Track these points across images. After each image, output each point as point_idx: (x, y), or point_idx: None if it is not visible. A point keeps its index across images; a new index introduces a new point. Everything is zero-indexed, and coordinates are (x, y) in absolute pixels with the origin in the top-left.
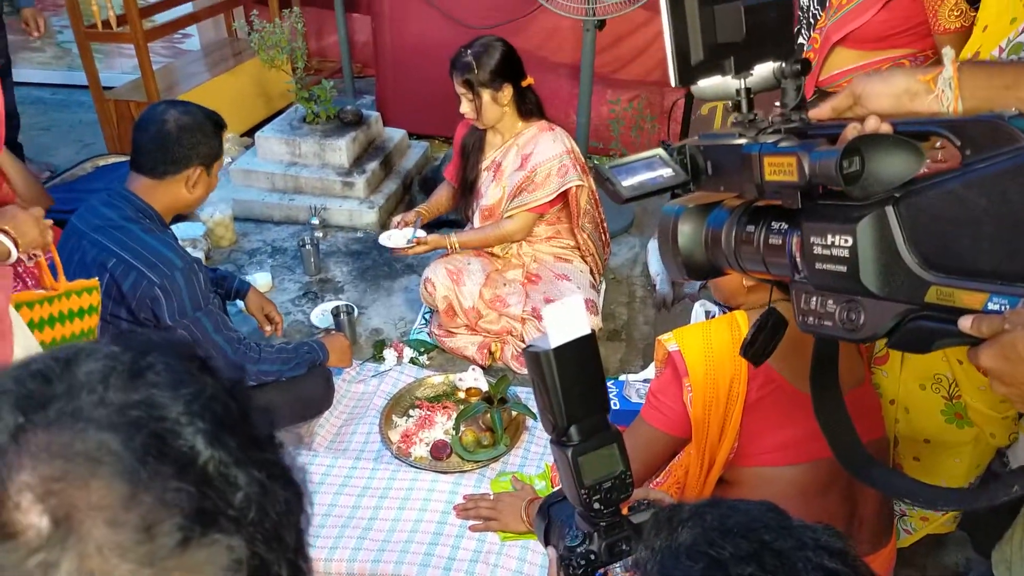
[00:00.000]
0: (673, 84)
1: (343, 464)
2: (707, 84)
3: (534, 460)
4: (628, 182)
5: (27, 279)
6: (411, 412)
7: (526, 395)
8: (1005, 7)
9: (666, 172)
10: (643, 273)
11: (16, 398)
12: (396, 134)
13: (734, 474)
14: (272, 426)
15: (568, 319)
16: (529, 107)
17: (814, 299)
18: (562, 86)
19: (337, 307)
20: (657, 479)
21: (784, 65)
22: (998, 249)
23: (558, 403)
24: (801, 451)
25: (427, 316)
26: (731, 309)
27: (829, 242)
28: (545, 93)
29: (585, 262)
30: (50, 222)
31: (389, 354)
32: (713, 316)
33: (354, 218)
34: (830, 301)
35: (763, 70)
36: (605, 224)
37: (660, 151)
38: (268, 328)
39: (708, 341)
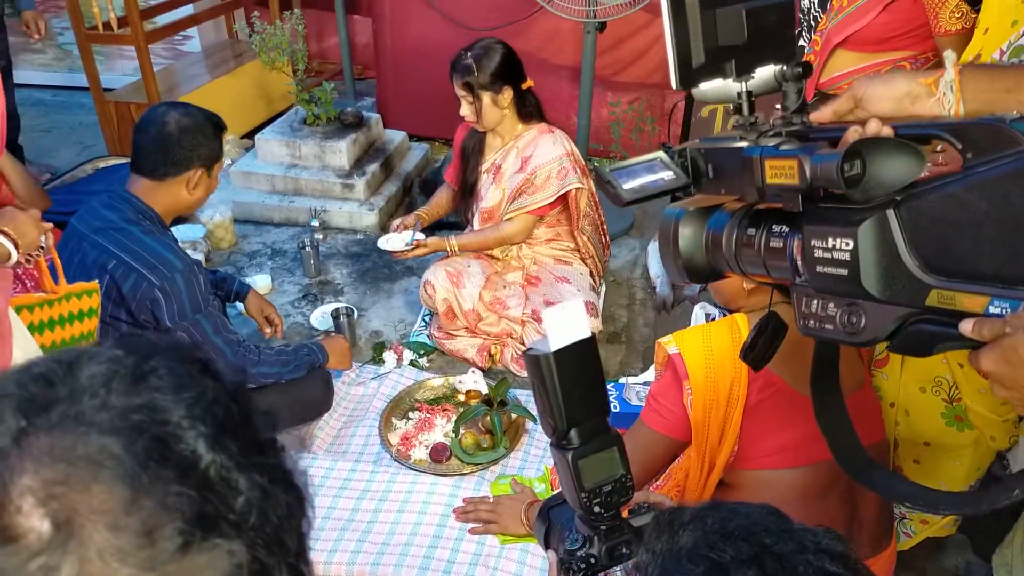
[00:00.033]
0: (674, 87)
1: (342, 466)
2: (708, 87)
3: (534, 463)
4: (629, 185)
5: (26, 281)
6: (411, 414)
7: (526, 398)
8: (1006, 10)
9: (667, 175)
10: (643, 275)
11: (19, 401)
12: (396, 136)
13: (734, 477)
14: (274, 430)
15: (568, 322)
16: (529, 109)
17: (815, 302)
18: (563, 88)
19: (337, 309)
20: (657, 482)
21: (785, 68)
22: (999, 252)
23: (558, 406)
24: (801, 454)
25: (427, 318)
26: (731, 312)
27: (830, 245)
28: (546, 95)
29: (585, 264)
30: (50, 225)
31: (389, 356)
32: (713, 319)
33: (354, 220)
34: (831, 304)
35: (764, 73)
36: (605, 226)
37: (661, 154)
38: (268, 330)
39: (708, 344)
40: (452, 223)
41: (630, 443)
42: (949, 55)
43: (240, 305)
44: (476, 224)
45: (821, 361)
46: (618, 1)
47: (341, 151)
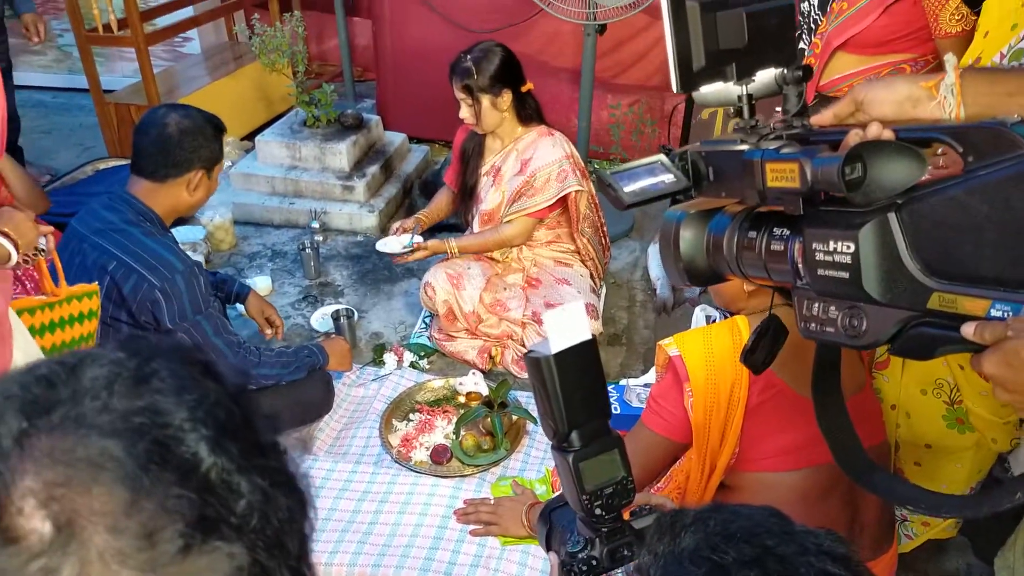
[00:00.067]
0: (675, 90)
1: (343, 468)
2: (709, 90)
3: (534, 464)
4: (630, 188)
5: (26, 282)
6: (411, 416)
7: (526, 399)
8: (1006, 13)
9: (668, 178)
10: (643, 277)
11: (21, 403)
12: (396, 138)
13: (735, 479)
14: (276, 433)
15: (569, 324)
16: (528, 112)
17: (816, 305)
18: (563, 90)
19: (337, 311)
20: (658, 484)
21: (786, 71)
22: (1001, 256)
23: (559, 409)
24: (802, 456)
25: (427, 320)
26: (732, 314)
27: (831, 248)
28: (546, 97)
29: (585, 266)
30: (51, 228)
31: (389, 358)
32: (714, 320)
33: (354, 222)
34: (832, 307)
35: (765, 76)
36: (605, 228)
37: (662, 157)
38: (269, 332)
39: (709, 346)
40: (452, 225)
41: (631, 445)
42: (950, 59)
43: (240, 307)
44: (476, 226)
45: (822, 364)
46: (618, 3)
47: (341, 153)
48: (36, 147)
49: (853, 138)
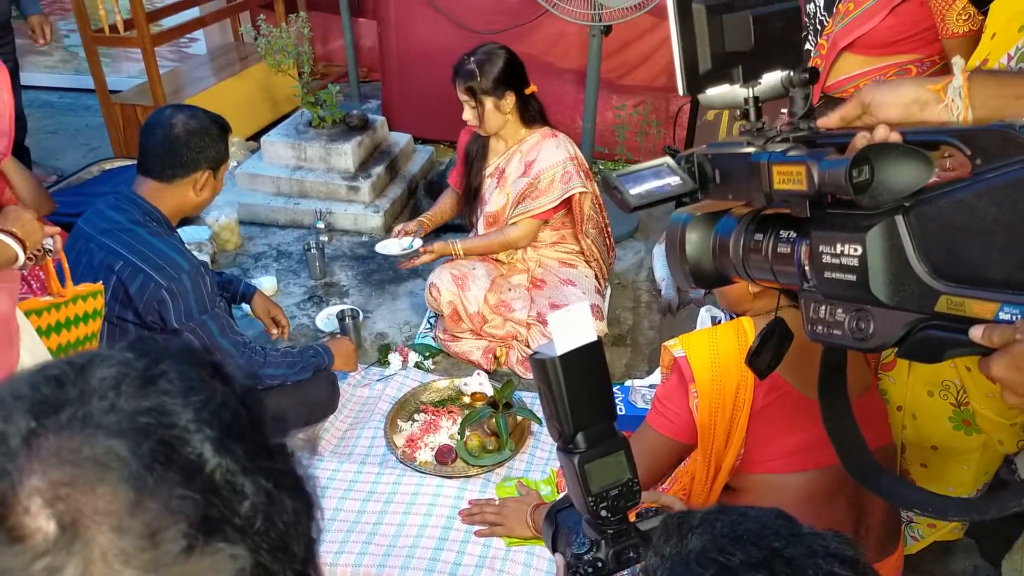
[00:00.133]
0: (681, 93)
1: (348, 468)
2: (715, 93)
3: (539, 465)
4: (636, 190)
5: (32, 282)
6: (416, 416)
7: (531, 400)
8: (1014, 14)
9: (674, 180)
10: (648, 278)
11: (31, 403)
12: (402, 138)
13: (740, 481)
14: (284, 434)
15: (574, 326)
16: (532, 114)
17: (823, 308)
18: (568, 91)
19: (342, 311)
20: (663, 485)
21: (792, 74)
22: (1009, 259)
23: (564, 410)
24: (808, 458)
25: (432, 320)
26: (737, 315)
27: (838, 251)
28: (551, 98)
29: (590, 267)
30: (57, 228)
31: (394, 358)
32: (719, 322)
33: (359, 222)
34: (839, 310)
35: (771, 79)
36: (610, 229)
37: (668, 159)
38: (275, 331)
39: (714, 347)
40: (457, 226)
41: (636, 446)
42: (957, 61)
43: (246, 307)
44: (481, 228)
45: (829, 366)
46: (623, 5)
47: (346, 153)
48: (42, 147)
49: (860, 141)
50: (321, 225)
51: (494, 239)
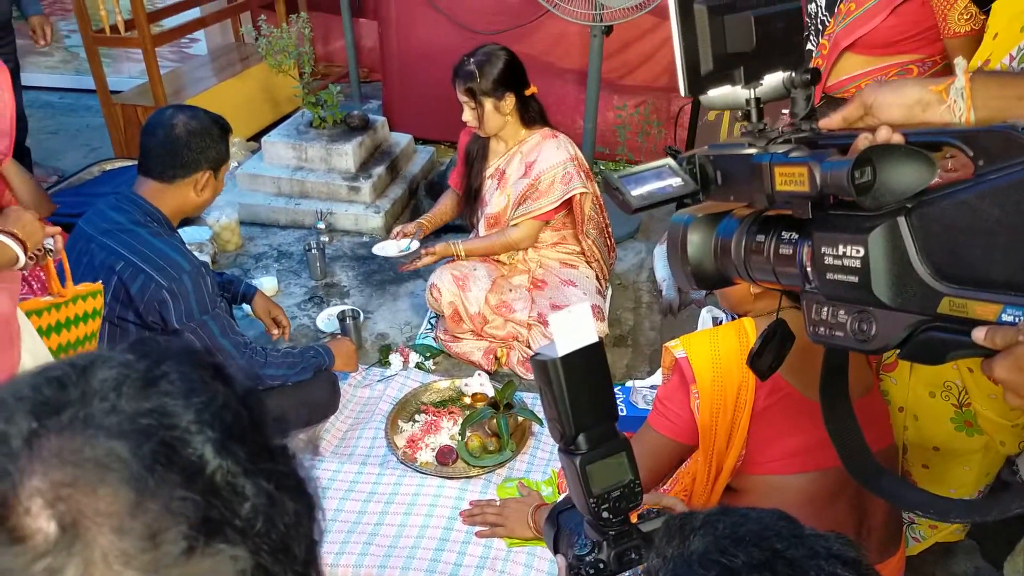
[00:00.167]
0: (682, 94)
1: (349, 469)
2: (716, 94)
3: (540, 466)
4: (637, 192)
5: (32, 283)
6: (417, 417)
7: (532, 400)
8: (1015, 15)
9: (675, 182)
10: (649, 279)
11: (33, 404)
12: (402, 139)
13: (742, 482)
14: (285, 436)
15: (575, 327)
16: (532, 115)
17: (825, 309)
18: (569, 92)
19: (343, 311)
20: (664, 486)
21: (794, 75)
22: (1011, 260)
23: (566, 411)
24: (809, 459)
25: (433, 321)
26: (739, 316)
27: (840, 252)
28: (552, 99)
29: (591, 267)
30: (58, 228)
31: (395, 359)
32: (720, 322)
33: (360, 223)
34: (841, 311)
35: (773, 80)
36: (610, 230)
37: (669, 161)
38: (275, 332)
39: (715, 348)
40: (458, 226)
41: (637, 447)
42: (960, 62)
43: (247, 307)
44: (482, 229)
45: (830, 368)
46: (624, 5)
47: (347, 154)
48: (43, 148)
49: (862, 142)
50: (322, 225)
51: (496, 240)
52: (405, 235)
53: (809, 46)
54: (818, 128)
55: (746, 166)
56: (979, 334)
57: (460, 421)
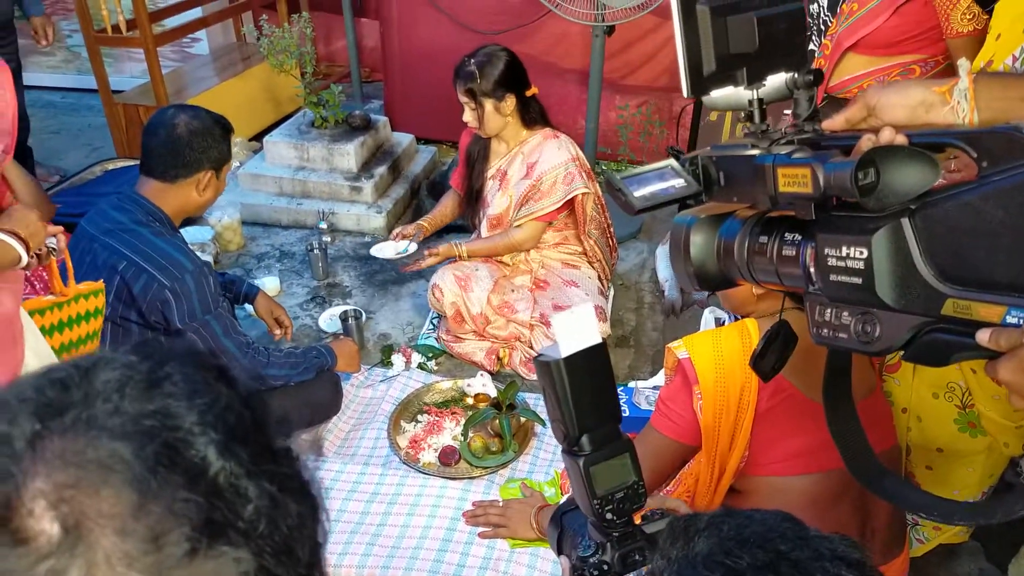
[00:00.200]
0: (685, 95)
1: (352, 469)
2: (719, 94)
3: (543, 466)
4: (640, 192)
5: (35, 282)
6: (419, 417)
7: (534, 401)
8: (1018, 15)
9: (678, 183)
10: (652, 279)
11: (36, 406)
12: (404, 139)
13: (745, 483)
14: (289, 437)
15: (579, 328)
16: (533, 116)
17: (829, 311)
18: (571, 92)
19: (345, 312)
20: (667, 487)
21: (796, 75)
22: (1016, 262)
23: (569, 413)
24: (812, 461)
25: (435, 321)
26: (741, 317)
27: (844, 254)
28: (553, 99)
29: (593, 268)
30: (60, 228)
31: (397, 359)
32: (723, 323)
33: (362, 223)
34: (845, 313)
35: (775, 80)
36: (612, 230)
37: (672, 162)
38: (278, 332)
39: (718, 349)
40: (460, 226)
41: (640, 448)
42: (963, 63)
43: (249, 307)
44: (484, 230)
45: (834, 369)
46: (626, 5)
47: (349, 154)
48: (45, 147)
49: (866, 143)
50: (324, 225)
51: (499, 241)
52: (404, 237)
53: (811, 46)
54: (821, 129)
55: (749, 167)
56: (983, 336)
57: (463, 422)
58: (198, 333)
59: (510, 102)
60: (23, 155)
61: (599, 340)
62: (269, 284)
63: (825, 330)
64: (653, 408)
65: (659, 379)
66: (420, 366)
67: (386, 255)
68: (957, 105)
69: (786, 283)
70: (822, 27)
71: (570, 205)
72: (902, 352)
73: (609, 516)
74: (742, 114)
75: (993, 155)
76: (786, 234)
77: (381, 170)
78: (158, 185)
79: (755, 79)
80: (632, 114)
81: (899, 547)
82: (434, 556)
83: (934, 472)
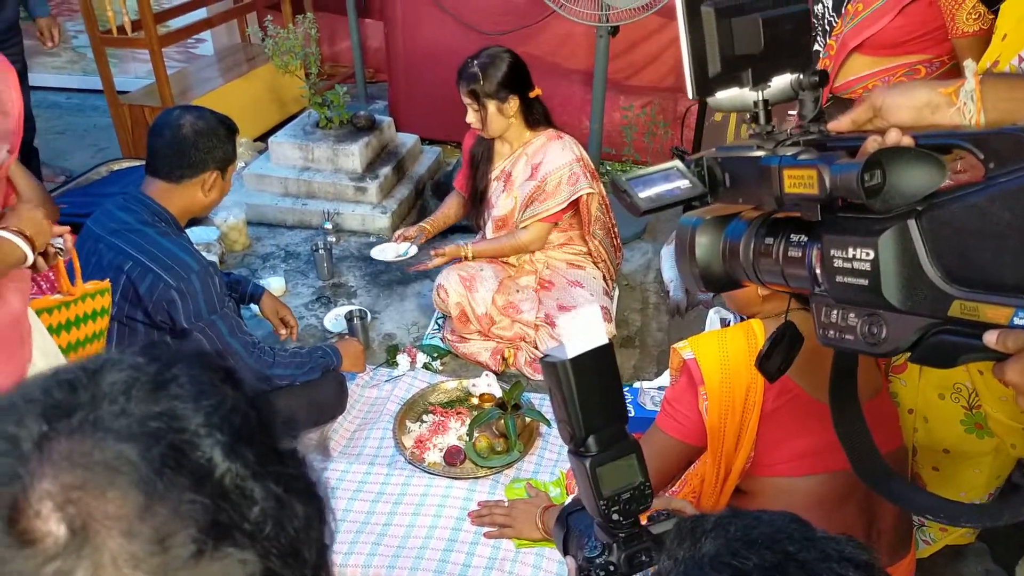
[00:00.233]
0: (690, 96)
1: (357, 469)
2: (724, 96)
3: (548, 467)
4: (645, 194)
5: (41, 282)
6: (424, 417)
7: (540, 401)
8: None
9: (683, 184)
10: (656, 279)
11: (43, 407)
12: (409, 139)
13: (750, 484)
14: (295, 439)
15: (585, 329)
16: (536, 117)
17: (835, 312)
18: (575, 92)
19: (350, 312)
20: (673, 488)
21: (802, 77)
22: (1022, 263)
23: (576, 413)
24: (818, 462)
25: (440, 321)
26: (746, 317)
27: (850, 255)
28: (558, 99)
29: (597, 268)
30: (67, 228)
31: (402, 359)
32: (728, 323)
33: (367, 223)
34: (851, 314)
35: (780, 82)
36: (617, 230)
37: (677, 163)
38: (283, 332)
39: (724, 349)
40: (465, 226)
41: (645, 448)
42: (969, 64)
43: (255, 307)
44: (489, 232)
45: (839, 371)
46: (630, 5)
47: (354, 154)
48: (51, 148)
49: (872, 144)
50: (329, 226)
51: (505, 242)
52: (405, 239)
53: (816, 47)
54: (827, 130)
55: (755, 168)
56: (991, 338)
57: (468, 422)
58: (204, 333)
59: (513, 104)
60: (29, 156)
61: (605, 341)
62: (274, 284)
63: (831, 331)
64: (658, 409)
65: (664, 379)
66: (425, 366)
67: (386, 257)
68: (963, 106)
69: (792, 284)
70: (827, 27)
71: (575, 206)
72: (909, 354)
73: (615, 517)
74: (747, 115)
75: (1000, 156)
76: (792, 235)
77: (386, 170)
78: (164, 185)
79: (760, 80)
80: (636, 115)
81: (905, 548)
82: (439, 556)
83: (940, 473)
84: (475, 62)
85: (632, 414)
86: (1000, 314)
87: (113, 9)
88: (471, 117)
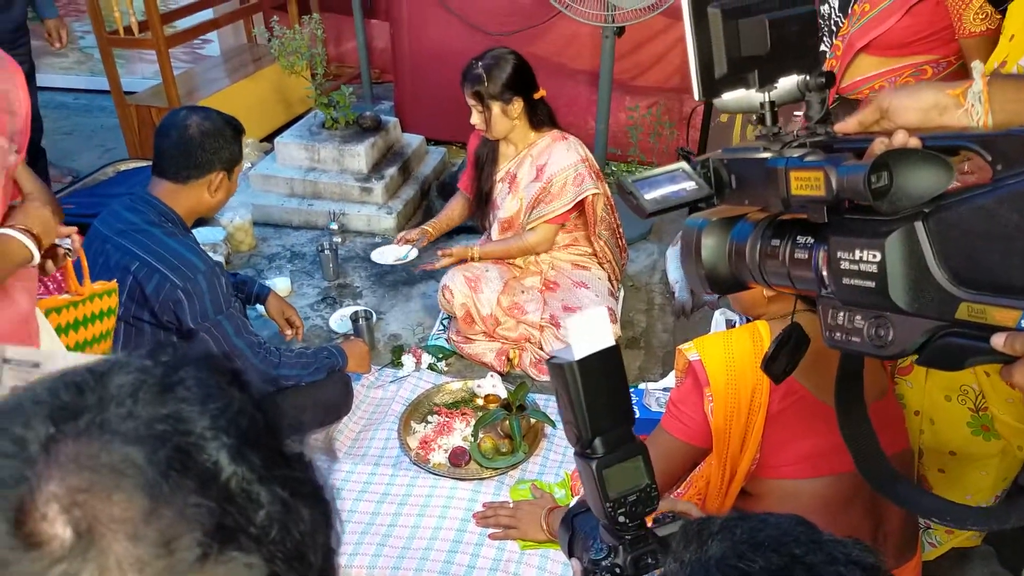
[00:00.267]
0: (696, 98)
1: (362, 470)
2: (731, 97)
3: (553, 468)
4: (651, 196)
5: (49, 282)
6: (429, 418)
7: (545, 402)
8: None
9: (689, 185)
10: (662, 280)
11: (50, 409)
12: (414, 140)
13: (756, 486)
14: (302, 442)
15: (592, 330)
16: (540, 118)
17: (841, 314)
18: (580, 93)
19: (356, 312)
20: (678, 490)
21: (808, 78)
22: None
23: (582, 415)
24: (823, 464)
25: (445, 322)
26: (752, 318)
27: (857, 257)
28: (563, 100)
29: (603, 269)
30: (74, 228)
31: (407, 360)
32: (734, 324)
33: (372, 223)
34: (858, 317)
35: (787, 83)
36: (622, 231)
37: (683, 164)
38: (289, 332)
39: (729, 351)
40: (470, 227)
41: (650, 450)
42: (977, 65)
43: (260, 307)
44: (495, 233)
45: (846, 372)
46: (636, 6)
47: (359, 155)
48: (58, 148)
49: (879, 146)
50: (335, 226)
51: (512, 244)
52: (407, 242)
53: (822, 47)
54: (833, 132)
55: (761, 170)
56: (998, 340)
57: (473, 422)
58: (210, 333)
59: (517, 105)
60: (36, 156)
61: (612, 342)
62: (280, 285)
63: (838, 333)
64: (663, 410)
65: (670, 381)
66: (430, 367)
67: (386, 260)
68: (971, 108)
69: (798, 286)
70: (834, 28)
71: (580, 206)
72: (915, 356)
73: (621, 519)
74: (753, 116)
75: (1008, 158)
76: (798, 237)
77: (391, 171)
78: (170, 186)
79: (767, 82)
80: (642, 115)
81: (911, 551)
82: (444, 557)
83: (947, 475)
84: (479, 63)
85: (637, 415)
86: (1008, 316)
87: (120, 10)
88: (475, 118)
